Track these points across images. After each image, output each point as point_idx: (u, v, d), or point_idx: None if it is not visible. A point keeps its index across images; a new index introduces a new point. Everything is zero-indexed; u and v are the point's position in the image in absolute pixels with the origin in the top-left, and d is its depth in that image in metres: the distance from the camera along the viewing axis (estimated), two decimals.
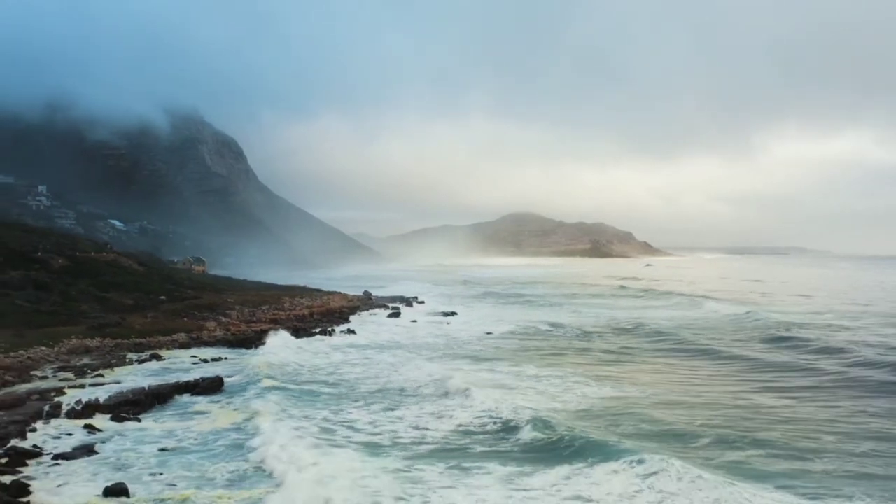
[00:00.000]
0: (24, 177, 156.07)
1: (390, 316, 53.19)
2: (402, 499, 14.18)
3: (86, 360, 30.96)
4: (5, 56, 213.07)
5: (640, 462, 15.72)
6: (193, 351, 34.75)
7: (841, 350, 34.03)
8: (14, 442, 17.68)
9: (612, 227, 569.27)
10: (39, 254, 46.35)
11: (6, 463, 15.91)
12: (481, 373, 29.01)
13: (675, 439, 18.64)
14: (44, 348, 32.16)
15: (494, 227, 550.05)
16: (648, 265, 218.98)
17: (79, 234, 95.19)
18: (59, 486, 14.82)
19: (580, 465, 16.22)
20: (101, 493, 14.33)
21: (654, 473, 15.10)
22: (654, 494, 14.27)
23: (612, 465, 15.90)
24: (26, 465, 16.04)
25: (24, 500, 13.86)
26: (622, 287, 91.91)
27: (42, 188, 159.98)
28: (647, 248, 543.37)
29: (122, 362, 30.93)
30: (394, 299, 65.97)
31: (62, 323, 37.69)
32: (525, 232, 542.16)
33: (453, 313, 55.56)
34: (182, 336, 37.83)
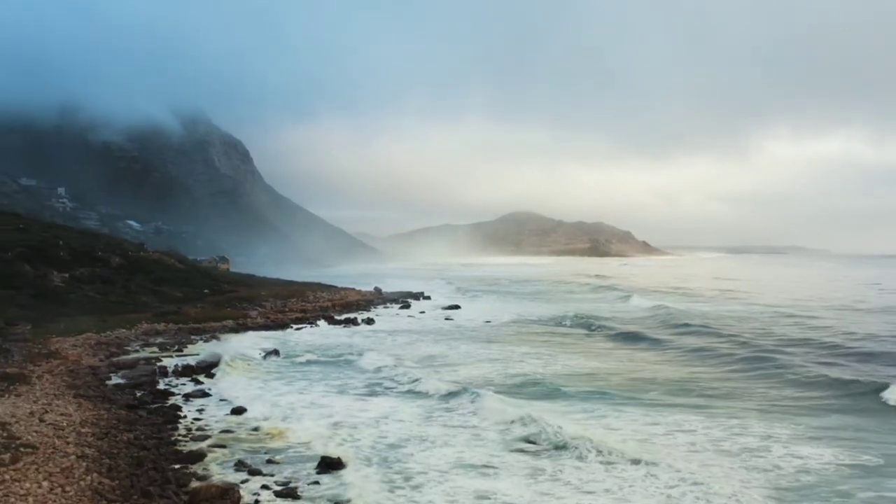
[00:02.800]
0: (43, 180, 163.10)
1: (401, 308, 60.41)
2: None
3: (160, 340, 38.10)
4: (18, 63, 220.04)
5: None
6: (243, 333, 42.02)
7: (718, 334, 41.62)
8: (142, 387, 24.93)
9: (612, 227, 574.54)
10: (99, 253, 53.58)
11: (157, 396, 23.21)
12: (479, 350, 36.41)
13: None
14: (124, 330, 39.40)
15: (494, 226, 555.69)
16: (624, 265, 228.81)
17: (104, 234, 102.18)
18: (199, 410, 22.04)
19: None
20: (229, 412, 21.58)
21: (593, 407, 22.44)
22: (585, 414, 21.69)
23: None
24: (168, 399, 23.26)
25: (182, 415, 21.10)
26: (585, 284, 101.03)
27: (61, 190, 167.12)
28: (646, 248, 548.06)
29: (191, 341, 38.15)
30: (402, 294, 73.10)
31: (129, 311, 44.96)
32: (525, 231, 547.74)
33: (457, 306, 62.66)
34: (230, 322, 45.12)
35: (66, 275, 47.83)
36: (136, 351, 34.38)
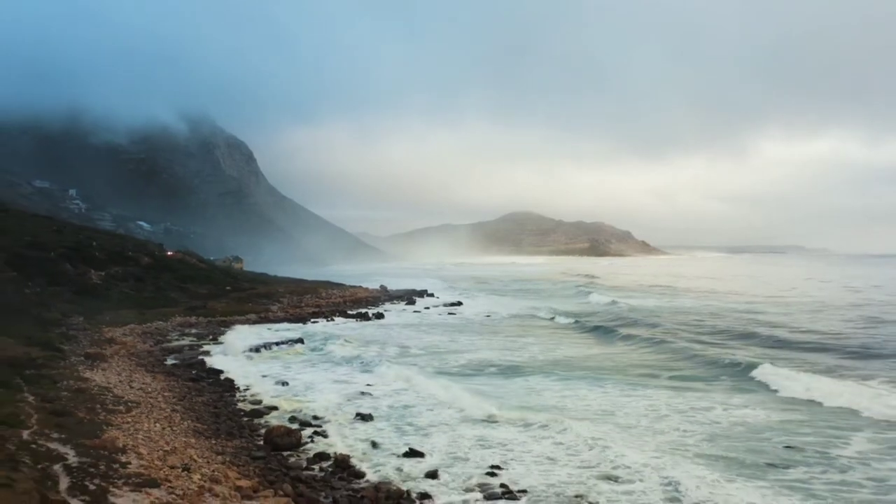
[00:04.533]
0: (55, 182, 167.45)
1: (407, 304, 65.05)
2: None
3: (195, 331, 42.71)
4: (27, 67, 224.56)
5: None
6: (267, 325, 46.67)
7: (649, 325, 47.35)
8: (196, 366, 29.56)
9: (611, 227, 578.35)
10: (130, 253, 58.21)
11: (210, 373, 27.88)
12: (477, 341, 41.03)
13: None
14: (161, 322, 44.06)
15: (494, 226, 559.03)
16: (610, 264, 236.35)
17: (130, 236, 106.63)
18: (249, 383, 26.66)
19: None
20: (273, 384, 26.21)
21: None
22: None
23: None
24: (219, 376, 27.85)
25: (236, 386, 25.69)
26: (568, 282, 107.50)
27: (73, 192, 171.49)
28: (646, 248, 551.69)
29: (222, 332, 42.73)
30: (407, 292, 77.72)
31: (161, 305, 49.59)
32: (525, 231, 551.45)
33: (459, 303, 67.29)
34: (253, 316, 49.80)
35: (103, 273, 52.45)
36: (177, 339, 39.01)
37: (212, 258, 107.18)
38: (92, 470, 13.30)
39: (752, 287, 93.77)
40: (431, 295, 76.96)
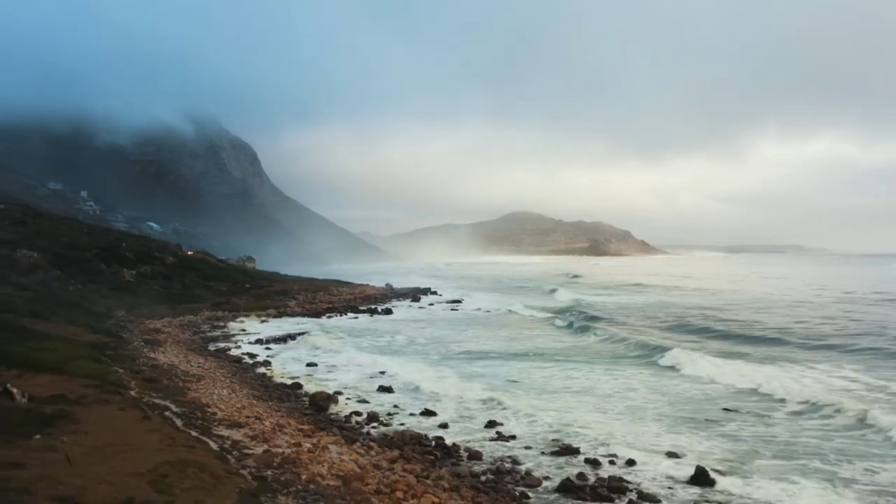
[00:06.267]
0: (66, 184, 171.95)
1: (412, 301, 69.69)
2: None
3: (223, 324, 47.39)
4: (36, 70, 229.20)
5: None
6: (287, 319, 51.28)
7: (603, 319, 51.96)
8: (234, 352, 34.16)
9: (611, 226, 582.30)
10: (156, 254, 62.84)
11: (248, 357, 32.49)
12: (475, 331, 45.70)
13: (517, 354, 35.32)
14: (191, 316, 48.70)
15: (494, 225, 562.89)
16: (596, 264, 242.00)
17: (153, 237, 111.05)
18: (283, 365, 31.26)
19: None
20: (304, 365, 30.80)
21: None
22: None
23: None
24: (255, 358, 32.43)
25: (272, 366, 30.30)
26: (551, 282, 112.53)
27: (84, 193, 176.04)
28: (645, 247, 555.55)
29: (250, 325, 47.37)
30: (412, 290, 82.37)
31: (189, 301, 54.23)
32: (525, 231, 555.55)
33: (460, 300, 71.92)
34: (273, 311, 54.42)
35: (134, 271, 57.10)
36: (210, 331, 43.63)
37: (223, 258, 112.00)
38: (192, 416, 17.91)
39: (721, 284, 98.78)
40: (435, 293, 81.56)
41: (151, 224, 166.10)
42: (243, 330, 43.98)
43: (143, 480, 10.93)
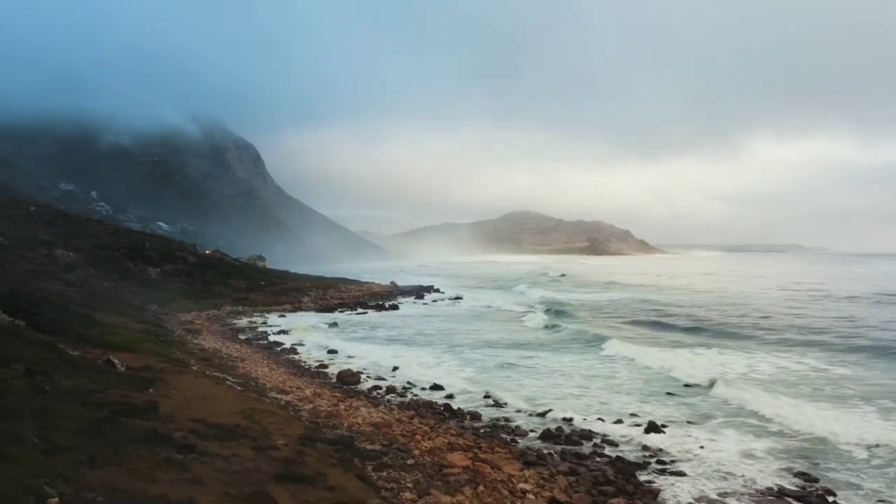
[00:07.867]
0: (77, 184, 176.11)
1: (417, 298, 74.01)
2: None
3: (245, 318, 51.66)
4: (45, 73, 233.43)
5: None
6: (302, 313, 55.63)
7: (568, 315, 55.46)
8: (262, 342, 38.46)
9: (611, 226, 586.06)
10: (177, 253, 67.18)
11: (274, 345, 36.80)
12: (473, 325, 50.04)
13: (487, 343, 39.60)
14: (215, 311, 53.03)
15: (495, 225, 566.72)
16: (583, 263, 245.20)
17: (174, 238, 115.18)
18: (308, 352, 35.54)
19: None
20: (326, 352, 35.10)
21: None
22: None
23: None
24: (281, 346, 36.68)
25: (298, 353, 34.57)
26: (536, 281, 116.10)
27: (94, 194, 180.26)
28: (644, 246, 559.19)
29: (270, 318, 51.68)
30: (416, 288, 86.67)
31: (210, 297, 58.54)
32: (525, 230, 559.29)
33: (461, 297, 76.21)
34: (289, 306, 58.74)
35: (158, 269, 61.43)
36: (235, 323, 47.94)
37: (234, 257, 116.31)
38: (248, 385, 22.22)
39: (697, 282, 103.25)
40: (437, 290, 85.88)
41: (160, 224, 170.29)
42: (265, 322, 48.27)
43: (238, 416, 15.27)
